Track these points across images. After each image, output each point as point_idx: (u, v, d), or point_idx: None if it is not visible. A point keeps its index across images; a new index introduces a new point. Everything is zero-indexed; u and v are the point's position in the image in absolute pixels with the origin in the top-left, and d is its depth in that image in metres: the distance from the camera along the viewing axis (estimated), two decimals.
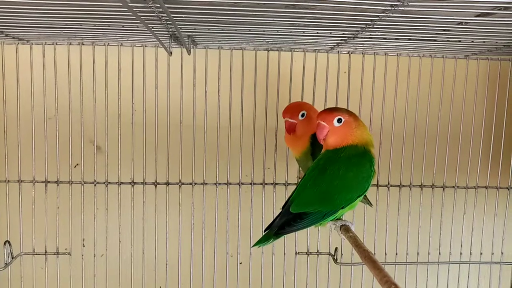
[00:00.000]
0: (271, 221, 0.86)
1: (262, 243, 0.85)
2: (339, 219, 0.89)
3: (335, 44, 0.99)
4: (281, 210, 0.86)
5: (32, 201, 1.09)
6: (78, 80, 1.07)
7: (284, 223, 0.83)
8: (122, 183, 1.11)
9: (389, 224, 1.16)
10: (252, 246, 0.89)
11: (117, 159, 1.10)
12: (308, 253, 1.16)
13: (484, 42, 0.89)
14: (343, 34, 0.85)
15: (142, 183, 1.11)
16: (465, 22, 0.71)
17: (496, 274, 1.20)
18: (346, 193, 0.81)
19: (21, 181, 1.09)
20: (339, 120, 0.83)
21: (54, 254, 1.11)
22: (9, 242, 1.03)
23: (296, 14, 0.69)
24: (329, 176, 0.82)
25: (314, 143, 0.93)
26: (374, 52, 1.10)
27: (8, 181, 1.10)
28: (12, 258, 1.04)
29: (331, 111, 0.85)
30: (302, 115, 0.96)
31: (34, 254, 1.11)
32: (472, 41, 0.88)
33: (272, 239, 0.84)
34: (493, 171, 1.17)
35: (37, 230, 1.10)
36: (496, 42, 0.89)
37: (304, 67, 1.10)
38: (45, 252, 1.11)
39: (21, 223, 1.09)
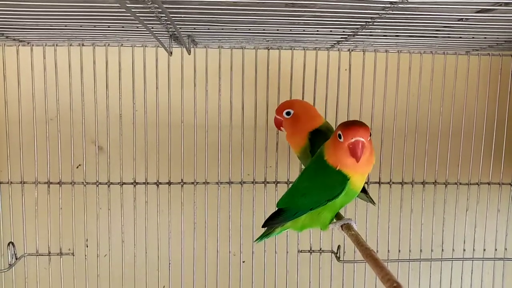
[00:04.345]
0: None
1: (260, 239, 0.89)
2: (341, 218, 0.89)
3: (336, 42, 0.98)
4: None
5: (35, 202, 1.10)
6: (79, 81, 1.07)
7: (270, 217, 0.86)
8: (124, 183, 1.11)
9: (392, 221, 1.16)
10: (254, 241, 0.92)
11: (119, 160, 1.10)
12: (310, 251, 1.16)
13: (485, 38, 0.88)
14: (343, 31, 0.85)
15: (144, 183, 1.11)
16: (466, 19, 0.71)
17: (499, 270, 1.20)
18: (312, 196, 0.81)
19: (24, 183, 1.10)
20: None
21: (58, 255, 1.12)
22: (12, 243, 1.04)
23: (296, 12, 0.69)
24: (304, 177, 0.85)
25: (313, 140, 0.94)
26: (375, 49, 1.10)
27: (11, 182, 1.10)
28: (16, 259, 1.05)
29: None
30: (287, 113, 0.97)
31: (37, 255, 1.11)
32: (473, 37, 0.88)
33: (265, 233, 0.88)
34: (495, 167, 1.16)
35: (40, 231, 1.11)
36: (497, 38, 0.89)
37: (304, 65, 1.10)
38: (49, 253, 1.11)
39: (24, 224, 1.10)
